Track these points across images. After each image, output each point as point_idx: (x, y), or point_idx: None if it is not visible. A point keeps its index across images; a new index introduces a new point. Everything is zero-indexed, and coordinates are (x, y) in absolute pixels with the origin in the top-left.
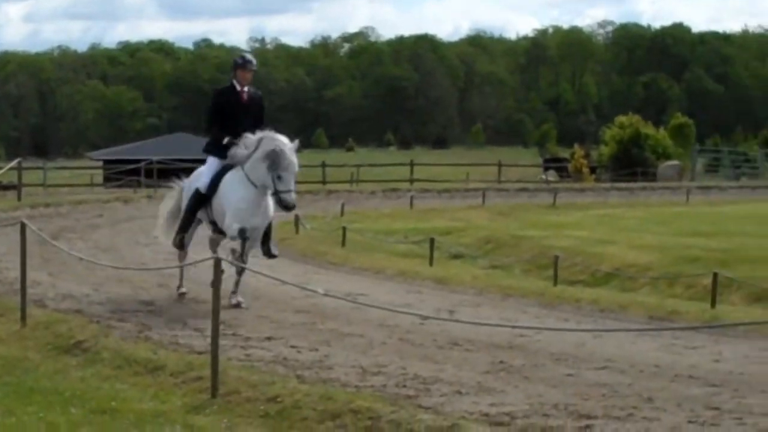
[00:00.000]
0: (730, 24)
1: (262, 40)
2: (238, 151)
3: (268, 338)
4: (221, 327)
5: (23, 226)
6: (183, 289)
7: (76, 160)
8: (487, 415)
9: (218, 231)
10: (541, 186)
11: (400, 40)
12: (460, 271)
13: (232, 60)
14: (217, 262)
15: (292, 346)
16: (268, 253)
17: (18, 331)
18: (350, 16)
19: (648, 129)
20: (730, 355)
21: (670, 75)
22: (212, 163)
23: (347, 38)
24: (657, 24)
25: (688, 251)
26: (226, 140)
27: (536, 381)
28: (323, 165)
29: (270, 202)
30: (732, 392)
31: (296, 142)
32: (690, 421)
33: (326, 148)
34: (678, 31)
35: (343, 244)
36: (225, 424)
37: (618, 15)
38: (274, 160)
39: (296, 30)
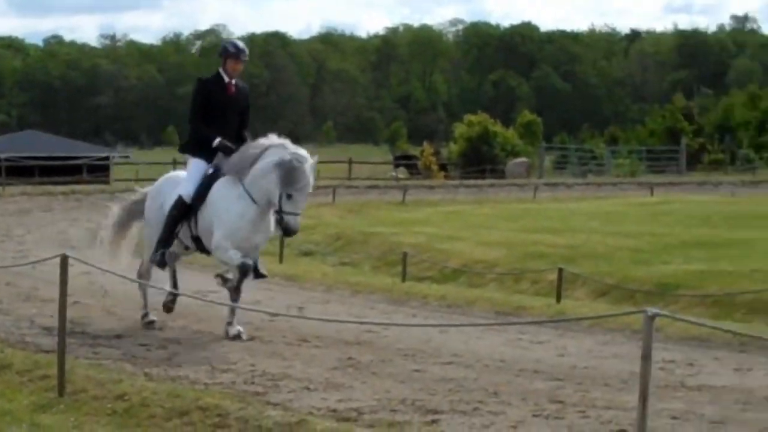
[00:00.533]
0: (578, 23)
1: (113, 37)
2: (234, 157)
3: (118, 336)
4: (69, 325)
5: None
6: (151, 317)
7: None
8: (334, 410)
9: (202, 250)
10: (391, 183)
11: (252, 38)
12: (309, 268)
13: (220, 46)
14: (64, 259)
15: (141, 344)
16: (256, 273)
17: None
18: (201, 13)
19: (496, 127)
20: (574, 350)
21: (519, 73)
22: (196, 167)
23: (198, 35)
24: (506, 23)
25: (535, 247)
26: (216, 141)
27: (384, 376)
28: (174, 162)
29: (272, 218)
30: (575, 386)
31: (316, 157)
32: (534, 415)
33: (176, 145)
34: (526, 29)
35: None
36: (72, 422)
37: (468, 14)
38: (290, 175)
39: (147, 27)
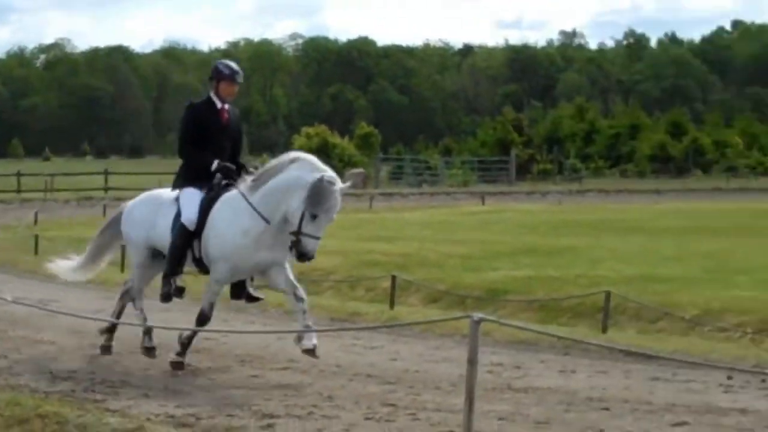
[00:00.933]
0: (413, 38)
1: None
2: (254, 174)
3: None
4: None
5: None
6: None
7: None
8: (172, 416)
9: (206, 272)
10: None
11: (95, 52)
12: None
13: (212, 66)
14: None
15: None
16: (249, 297)
17: None
18: (46, 27)
19: (335, 138)
20: (406, 354)
21: (357, 87)
22: (192, 193)
23: (43, 49)
24: (344, 38)
25: (370, 255)
26: (215, 164)
27: (222, 383)
28: (18, 174)
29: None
30: (407, 389)
31: (347, 184)
32: (367, 418)
33: (22, 157)
34: (364, 44)
35: (36, 251)
36: None
37: (307, 28)
38: (320, 195)
39: None
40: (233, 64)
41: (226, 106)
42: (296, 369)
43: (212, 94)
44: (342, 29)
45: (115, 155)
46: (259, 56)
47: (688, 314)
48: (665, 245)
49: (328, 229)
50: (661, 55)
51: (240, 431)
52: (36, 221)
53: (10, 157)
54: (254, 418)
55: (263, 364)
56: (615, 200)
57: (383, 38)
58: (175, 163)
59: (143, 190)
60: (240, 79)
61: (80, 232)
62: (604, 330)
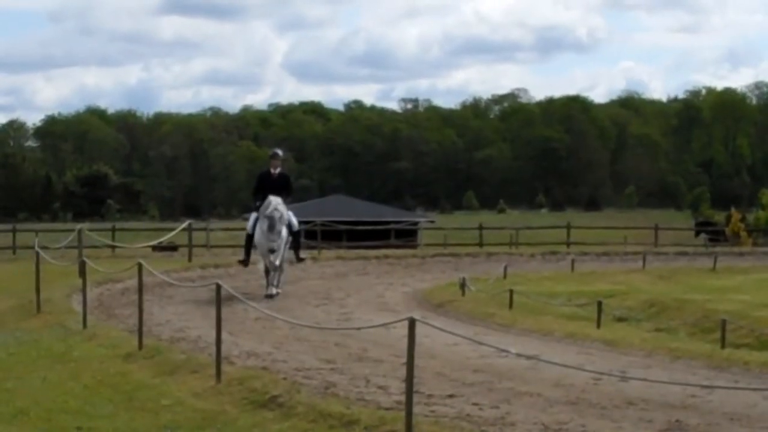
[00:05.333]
0: None
1: (415, 101)
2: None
3: (450, 396)
4: (403, 384)
5: (218, 287)
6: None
7: (230, 221)
8: None
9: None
10: (699, 250)
11: (551, 102)
12: (627, 333)
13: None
14: (412, 323)
15: (474, 404)
16: (297, 258)
17: (213, 386)
18: (500, 78)
19: None
20: None
21: None
22: (253, 216)
23: (497, 100)
24: None
25: None
26: (257, 204)
27: None
28: (481, 227)
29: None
30: None
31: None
32: None
33: (476, 209)
34: None
35: (511, 306)
36: None
37: None
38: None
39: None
40: (277, 150)
41: (276, 170)
42: None
43: (270, 167)
44: None
45: (571, 208)
46: (721, 105)
47: None
48: None
49: None
50: None
51: None
52: (505, 275)
53: (465, 210)
54: None
55: (752, 423)
56: None
57: None
58: (634, 216)
59: (606, 244)
60: (279, 157)
61: (549, 287)
62: None
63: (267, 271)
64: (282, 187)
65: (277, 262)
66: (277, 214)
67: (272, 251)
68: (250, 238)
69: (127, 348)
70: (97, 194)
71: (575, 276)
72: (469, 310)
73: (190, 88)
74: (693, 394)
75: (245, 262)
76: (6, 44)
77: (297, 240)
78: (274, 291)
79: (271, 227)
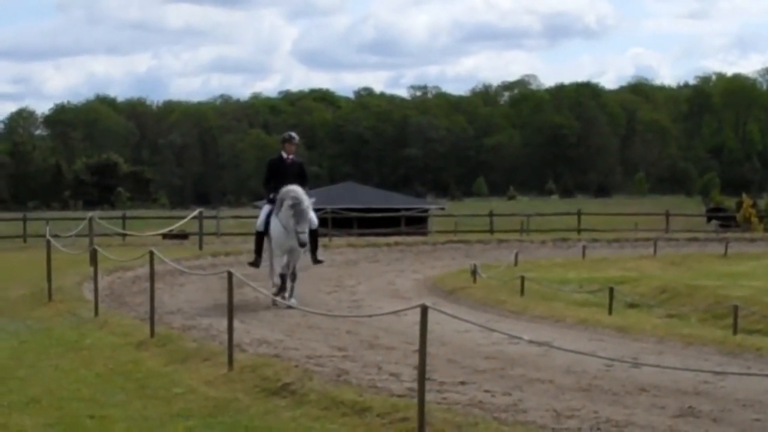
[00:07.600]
0: None
1: (424, 88)
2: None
3: (462, 383)
4: (414, 371)
5: (230, 275)
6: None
7: (240, 209)
8: None
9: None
10: (711, 236)
11: (561, 88)
12: (638, 319)
13: (282, 135)
14: (424, 310)
15: (486, 391)
16: (314, 260)
17: (225, 374)
18: (510, 64)
19: None
20: None
21: None
22: (265, 208)
23: (507, 86)
24: None
25: None
26: (271, 196)
27: (725, 425)
28: (491, 214)
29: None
30: None
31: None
32: None
33: (486, 196)
34: None
35: (522, 292)
36: None
37: None
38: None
39: (457, 78)
40: (292, 133)
41: (290, 157)
42: None
43: (282, 151)
44: None
45: (581, 194)
46: (731, 91)
47: None
48: None
49: None
50: None
51: None
52: (516, 262)
53: (475, 196)
54: None
55: (763, 409)
56: None
57: None
58: (645, 203)
59: (617, 231)
60: (294, 141)
61: (560, 274)
62: None
63: (283, 280)
64: (297, 175)
65: (298, 265)
66: (305, 202)
67: (303, 245)
68: (260, 235)
69: (139, 336)
70: (107, 182)
71: (586, 262)
72: (481, 297)
73: (200, 76)
74: (705, 380)
75: (256, 263)
76: (15, 33)
77: (315, 239)
78: (294, 302)
79: (301, 215)
